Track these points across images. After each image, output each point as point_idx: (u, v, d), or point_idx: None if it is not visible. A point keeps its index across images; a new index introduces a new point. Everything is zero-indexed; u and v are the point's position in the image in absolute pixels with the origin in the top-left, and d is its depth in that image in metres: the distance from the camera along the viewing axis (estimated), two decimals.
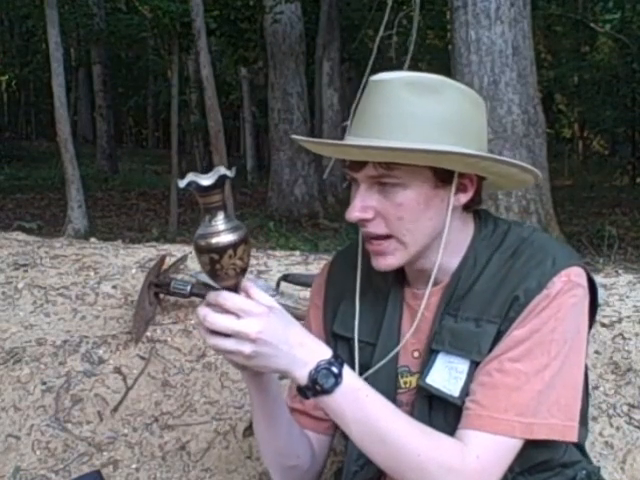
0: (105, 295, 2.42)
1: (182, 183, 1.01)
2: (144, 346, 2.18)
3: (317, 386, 1.06)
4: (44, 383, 2.12)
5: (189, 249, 2.74)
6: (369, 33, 12.80)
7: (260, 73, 15.13)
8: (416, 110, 1.12)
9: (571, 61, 16.73)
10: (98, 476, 1.72)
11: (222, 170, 1.01)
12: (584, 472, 1.24)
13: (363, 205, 1.15)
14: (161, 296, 2.26)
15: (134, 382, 2.09)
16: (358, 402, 1.08)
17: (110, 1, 13.97)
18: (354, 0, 14.14)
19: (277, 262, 2.63)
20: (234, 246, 1.02)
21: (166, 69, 11.50)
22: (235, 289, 1.05)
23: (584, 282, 1.16)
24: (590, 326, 1.21)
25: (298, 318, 1.16)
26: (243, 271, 1.05)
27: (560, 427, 1.12)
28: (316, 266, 2.49)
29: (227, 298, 1.03)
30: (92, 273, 2.56)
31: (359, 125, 1.16)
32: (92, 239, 3.41)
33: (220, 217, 1.03)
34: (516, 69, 5.61)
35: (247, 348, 1.03)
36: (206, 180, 1.00)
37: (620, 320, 2.02)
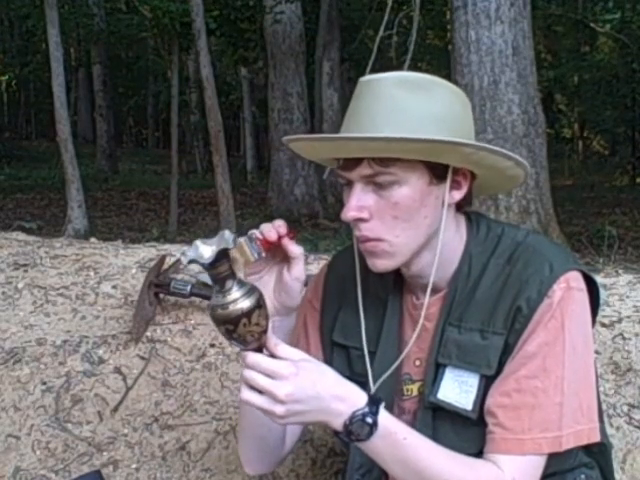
0: (105, 295, 2.41)
1: (185, 260, 1.01)
2: (144, 346, 2.18)
3: (352, 436, 1.07)
4: (44, 383, 2.12)
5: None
6: (369, 33, 12.82)
7: (260, 73, 15.13)
8: (408, 106, 1.11)
9: (571, 61, 16.73)
10: (98, 476, 1.72)
11: (226, 235, 1.01)
12: (582, 476, 1.24)
13: (359, 205, 1.14)
14: (161, 296, 2.26)
15: (134, 382, 2.09)
16: (396, 445, 1.08)
17: (110, 1, 13.97)
18: (354, 0, 14.15)
19: None
20: (247, 314, 1.02)
21: (166, 69, 11.48)
22: (259, 350, 1.06)
23: (582, 285, 1.17)
24: (593, 323, 1.22)
25: None
26: (262, 334, 1.05)
27: (586, 431, 1.13)
28: (316, 266, 2.48)
29: (256, 362, 1.04)
30: (92, 273, 2.56)
31: (352, 124, 1.14)
32: (92, 239, 3.40)
33: (228, 286, 1.02)
34: (516, 69, 5.61)
35: (279, 409, 1.03)
36: (208, 257, 0.99)
37: (620, 320, 2.02)
